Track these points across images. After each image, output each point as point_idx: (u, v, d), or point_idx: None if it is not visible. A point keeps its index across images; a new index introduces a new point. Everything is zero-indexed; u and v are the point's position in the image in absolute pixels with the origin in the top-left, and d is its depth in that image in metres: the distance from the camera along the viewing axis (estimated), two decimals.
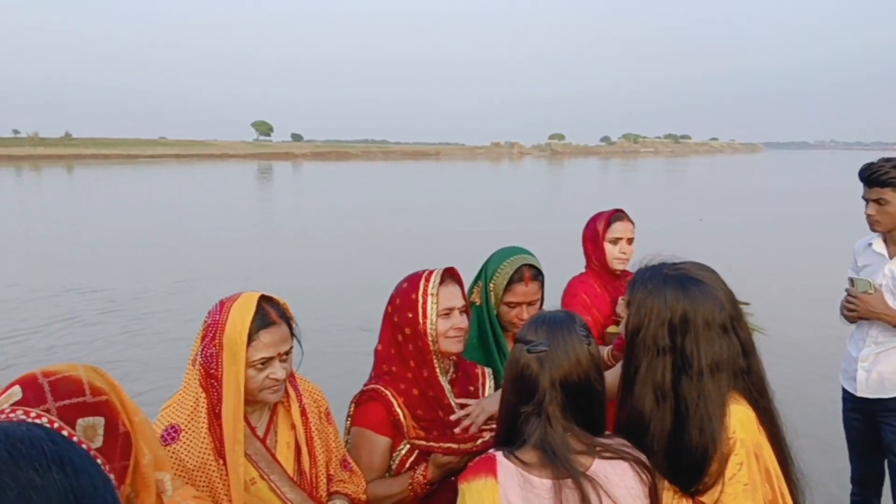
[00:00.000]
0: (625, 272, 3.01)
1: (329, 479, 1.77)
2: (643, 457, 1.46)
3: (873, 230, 2.86)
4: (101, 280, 10.29)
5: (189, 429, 1.55)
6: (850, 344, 3.01)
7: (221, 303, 1.61)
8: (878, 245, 2.91)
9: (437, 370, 1.88)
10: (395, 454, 1.88)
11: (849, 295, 2.87)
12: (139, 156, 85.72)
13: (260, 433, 1.65)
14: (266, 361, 1.58)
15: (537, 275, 2.26)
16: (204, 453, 1.54)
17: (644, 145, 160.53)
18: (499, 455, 1.41)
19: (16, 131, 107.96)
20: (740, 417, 1.47)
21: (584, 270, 3.00)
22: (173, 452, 1.53)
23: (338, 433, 1.84)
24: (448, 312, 1.87)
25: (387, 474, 1.89)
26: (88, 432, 1.01)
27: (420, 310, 1.85)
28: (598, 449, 1.43)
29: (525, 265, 2.24)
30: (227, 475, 1.54)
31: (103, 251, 13.30)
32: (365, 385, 1.92)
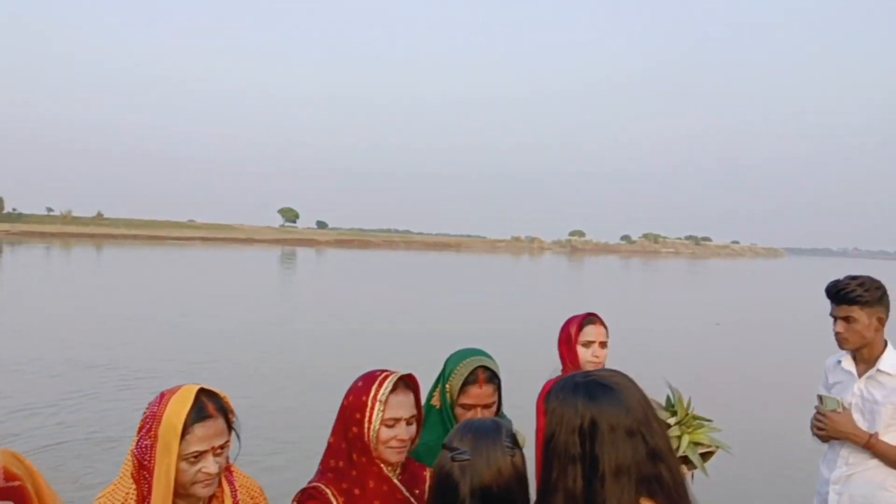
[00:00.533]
0: None
1: None
2: None
3: (842, 348, 2.82)
4: (117, 357, 10.36)
5: None
6: (822, 464, 2.89)
7: (162, 395, 1.60)
8: (847, 363, 2.85)
9: (385, 471, 1.84)
10: None
11: (817, 413, 2.79)
12: (167, 238, 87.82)
13: None
14: (199, 455, 1.56)
15: (492, 377, 2.22)
16: None
17: (664, 245, 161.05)
18: None
19: (49, 209, 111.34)
20: None
21: (559, 374, 2.96)
22: None
23: None
24: (393, 423, 1.84)
25: None
26: None
27: (368, 414, 1.83)
28: None
29: (480, 367, 2.21)
30: None
31: (125, 330, 13.43)
32: (309, 482, 1.88)
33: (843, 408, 2.74)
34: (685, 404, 2.53)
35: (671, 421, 2.49)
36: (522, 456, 1.49)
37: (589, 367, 2.84)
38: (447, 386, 2.23)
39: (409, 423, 1.86)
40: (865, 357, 2.77)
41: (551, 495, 1.49)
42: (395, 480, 1.86)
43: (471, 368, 2.21)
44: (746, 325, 18.04)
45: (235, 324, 14.76)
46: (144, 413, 1.58)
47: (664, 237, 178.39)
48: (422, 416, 1.96)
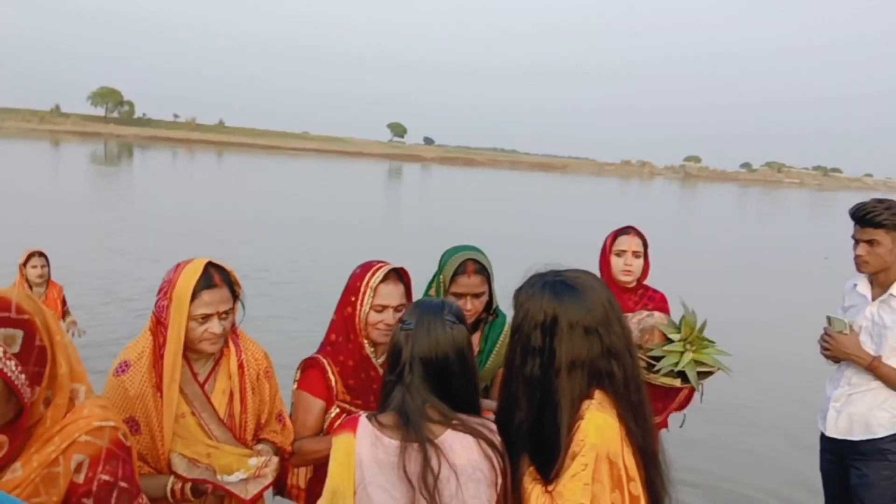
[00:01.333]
0: (639, 286, 3.07)
1: (261, 427, 2.00)
2: (497, 439, 1.59)
3: (860, 271, 2.77)
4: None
5: (136, 365, 1.83)
6: (828, 383, 2.91)
7: (177, 265, 1.88)
8: (863, 287, 2.82)
9: (367, 350, 2.09)
10: (327, 415, 2.09)
11: (825, 334, 2.80)
12: (283, 147, 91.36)
13: (200, 379, 1.90)
14: (206, 317, 1.84)
15: (481, 269, 2.38)
16: (144, 385, 1.81)
17: (788, 175, 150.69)
18: (363, 416, 1.60)
19: (176, 115, 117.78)
20: (598, 423, 1.54)
21: None
22: (120, 382, 1.82)
23: (276, 391, 2.06)
24: (382, 308, 2.07)
25: (321, 434, 2.12)
26: (7, 340, 1.31)
27: (360, 298, 2.07)
28: (453, 422, 1.58)
29: (469, 259, 2.38)
30: (161, 405, 1.82)
31: (250, 230, 14.59)
32: (313, 354, 2.18)
33: (851, 330, 2.75)
34: (697, 326, 2.64)
35: (674, 337, 2.61)
36: (463, 331, 1.66)
37: (621, 276, 2.95)
38: (441, 277, 2.42)
39: (396, 311, 2.09)
40: (881, 281, 2.74)
41: (513, 381, 1.69)
42: (374, 360, 2.11)
43: (461, 261, 2.38)
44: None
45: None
46: (163, 279, 1.90)
47: (789, 167, 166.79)
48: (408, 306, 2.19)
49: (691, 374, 2.48)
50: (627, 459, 1.58)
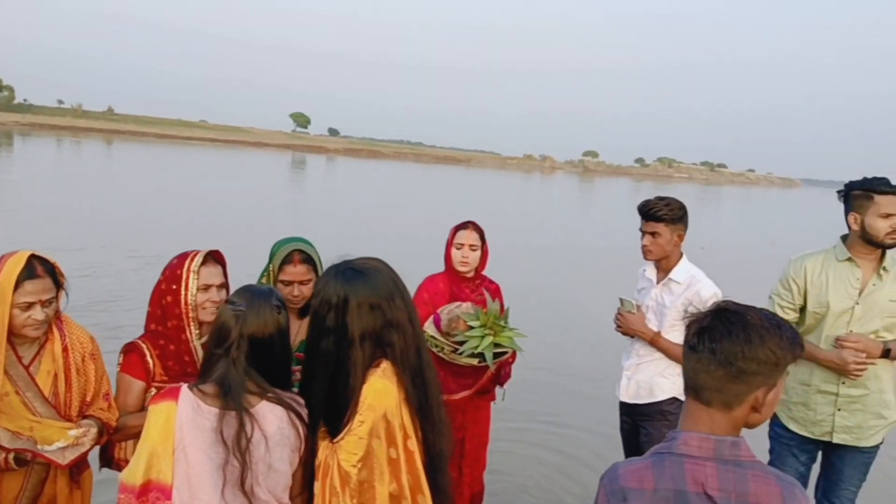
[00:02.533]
0: (477, 276, 3.41)
1: (87, 405, 2.20)
2: (304, 411, 1.86)
3: (646, 258, 3.21)
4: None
5: None
6: (623, 355, 3.36)
7: (1, 257, 2.05)
8: (650, 271, 3.27)
9: (188, 332, 2.31)
10: (147, 395, 2.30)
11: (617, 313, 3.23)
12: (176, 136, 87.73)
13: (25, 361, 2.08)
14: (29, 305, 2.02)
15: (307, 259, 2.63)
16: None
17: (678, 170, 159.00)
18: (184, 386, 1.81)
19: (60, 101, 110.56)
20: (377, 388, 1.82)
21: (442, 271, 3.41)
22: None
23: (103, 372, 2.26)
24: (207, 287, 2.29)
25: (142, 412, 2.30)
26: None
27: (183, 283, 2.27)
28: (268, 395, 1.83)
29: (296, 250, 2.62)
30: None
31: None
32: (134, 339, 2.37)
33: (638, 309, 3.18)
34: (498, 314, 3.07)
35: (474, 324, 3.01)
36: (286, 316, 1.93)
37: (459, 267, 3.29)
38: (271, 266, 2.65)
39: (219, 288, 2.32)
40: (664, 267, 3.19)
41: (312, 357, 1.95)
42: (195, 342, 2.32)
43: (288, 251, 2.62)
44: (732, 251, 18.41)
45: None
46: None
47: (679, 162, 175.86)
48: (229, 285, 2.41)
49: (488, 355, 2.91)
50: (406, 419, 1.85)
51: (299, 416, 1.85)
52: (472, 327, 3.00)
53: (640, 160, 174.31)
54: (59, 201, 16.58)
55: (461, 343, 3.00)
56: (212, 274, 2.31)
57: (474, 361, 3.01)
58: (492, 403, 3.47)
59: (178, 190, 22.61)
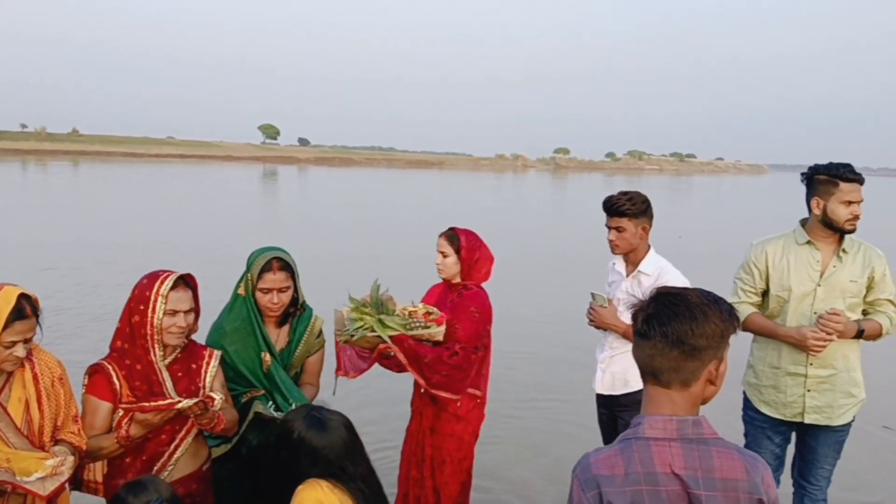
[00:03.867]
0: (464, 284, 3.37)
1: (58, 429, 2.18)
2: None
3: (614, 253, 3.26)
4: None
5: None
6: (597, 349, 3.41)
7: None
8: (620, 265, 3.32)
9: (153, 353, 2.30)
10: (115, 415, 2.29)
11: (590, 307, 3.27)
12: (144, 154, 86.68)
13: None
14: (13, 344, 2.02)
15: (285, 266, 2.65)
16: None
17: (649, 162, 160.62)
18: None
19: (23, 125, 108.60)
20: (309, 496, 1.92)
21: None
22: None
23: (70, 395, 2.25)
24: (174, 313, 2.28)
25: (110, 433, 2.29)
26: None
27: (151, 306, 2.26)
28: None
29: (274, 258, 2.64)
30: None
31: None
32: (99, 360, 2.35)
33: (609, 303, 3.22)
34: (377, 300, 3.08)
35: (353, 316, 3.03)
36: None
37: (438, 274, 3.26)
38: (249, 275, 2.66)
39: (187, 314, 2.31)
40: (632, 260, 3.23)
41: (268, 468, 2.08)
42: (159, 363, 2.32)
43: (267, 259, 2.64)
44: (707, 238, 18.68)
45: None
46: None
47: (649, 154, 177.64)
48: (199, 309, 2.41)
49: (380, 330, 2.92)
50: None
51: None
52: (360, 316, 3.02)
53: (610, 154, 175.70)
54: (24, 228, 16.30)
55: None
56: (180, 299, 2.30)
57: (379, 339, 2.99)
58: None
59: (149, 208, 22.35)
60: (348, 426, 2.07)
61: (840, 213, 2.92)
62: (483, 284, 3.27)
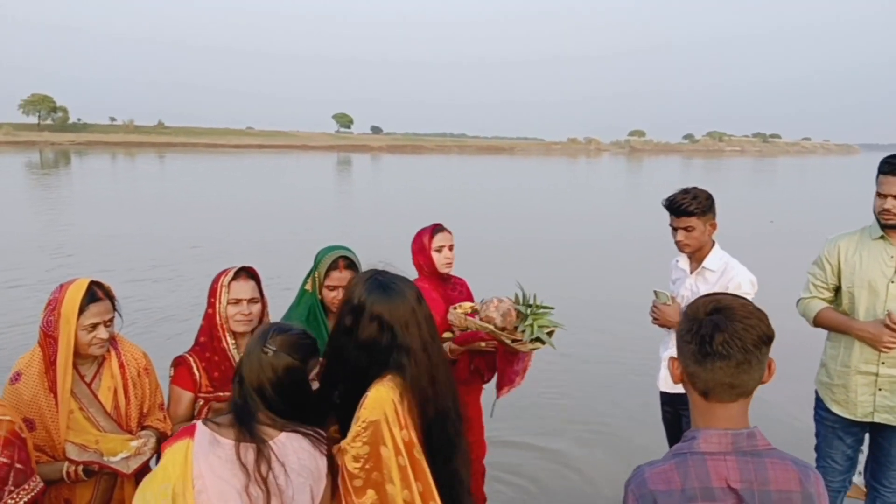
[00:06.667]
0: (451, 276, 3.42)
1: (144, 416, 2.37)
2: (324, 446, 1.87)
3: (683, 252, 3.19)
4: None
5: (27, 374, 2.19)
6: (660, 346, 3.37)
7: (61, 286, 2.23)
8: (683, 262, 3.25)
9: (225, 342, 2.45)
10: (197, 405, 2.46)
11: (653, 306, 3.24)
12: (225, 145, 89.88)
13: (87, 379, 2.26)
14: (94, 326, 2.20)
15: (351, 265, 2.75)
16: (36, 390, 2.15)
17: (730, 144, 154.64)
18: (199, 422, 1.81)
19: (112, 118, 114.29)
20: (376, 396, 1.87)
21: (417, 277, 3.33)
22: (15, 390, 2.16)
23: (156, 385, 2.44)
24: (237, 302, 2.43)
25: (192, 420, 2.45)
26: None
27: (217, 297, 2.43)
28: (285, 427, 1.84)
29: (341, 257, 2.75)
30: (55, 405, 2.16)
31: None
32: (183, 353, 2.52)
33: (673, 301, 3.19)
34: (530, 299, 3.09)
35: (528, 312, 3.05)
36: (282, 357, 1.85)
37: (444, 269, 3.30)
38: (316, 273, 2.79)
39: (250, 303, 2.46)
40: (697, 256, 3.18)
41: (331, 352, 2.01)
42: (233, 350, 2.47)
43: (334, 258, 2.75)
44: (800, 221, 17.99)
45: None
46: (49, 298, 2.22)
47: (730, 135, 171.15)
48: (265, 300, 2.55)
49: (546, 338, 2.94)
50: (412, 433, 1.89)
51: (320, 446, 1.86)
52: (524, 315, 3.04)
53: (688, 136, 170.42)
54: (114, 222, 17.25)
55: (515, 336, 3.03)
56: (242, 289, 2.45)
57: (538, 346, 3.03)
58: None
59: (235, 200, 23.25)
60: (415, 292, 1.99)
61: (875, 203, 2.89)
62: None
